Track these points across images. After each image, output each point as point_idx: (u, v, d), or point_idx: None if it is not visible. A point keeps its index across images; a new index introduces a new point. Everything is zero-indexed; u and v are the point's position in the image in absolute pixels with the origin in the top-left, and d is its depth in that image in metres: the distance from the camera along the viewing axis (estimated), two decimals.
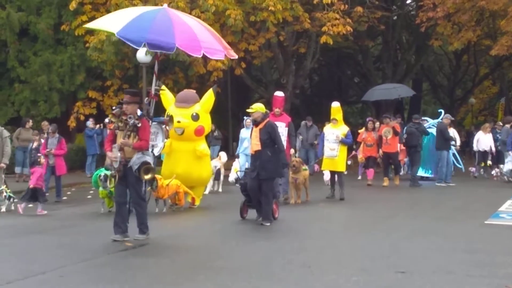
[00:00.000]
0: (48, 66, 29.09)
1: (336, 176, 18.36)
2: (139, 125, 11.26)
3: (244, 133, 21.92)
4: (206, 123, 16.52)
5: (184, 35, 11.55)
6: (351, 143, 19.49)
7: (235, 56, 13.42)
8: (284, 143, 16.29)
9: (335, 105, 18.59)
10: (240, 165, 21.35)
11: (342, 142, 18.11)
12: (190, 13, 26.05)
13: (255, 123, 13.70)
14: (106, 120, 16.81)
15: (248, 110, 13.92)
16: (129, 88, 29.06)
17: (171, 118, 13.43)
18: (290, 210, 15.64)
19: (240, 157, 21.86)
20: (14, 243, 11.85)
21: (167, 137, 14.03)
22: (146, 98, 12.24)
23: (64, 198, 19.28)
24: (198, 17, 25.90)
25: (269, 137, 13.36)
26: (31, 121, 24.03)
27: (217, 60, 26.75)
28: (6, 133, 17.20)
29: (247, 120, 21.82)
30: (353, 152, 24.66)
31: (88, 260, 9.96)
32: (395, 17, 37.45)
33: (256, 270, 9.04)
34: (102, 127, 25.86)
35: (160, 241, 11.62)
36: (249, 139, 21.17)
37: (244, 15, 26.42)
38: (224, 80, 32.16)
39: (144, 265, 9.53)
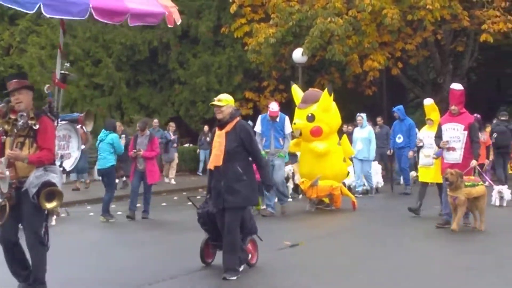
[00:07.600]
0: (206, 68, 29.88)
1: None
2: (37, 127, 7.50)
3: (357, 132, 19.34)
4: (325, 122, 16.02)
5: None
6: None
7: (178, 21, 8.56)
8: (461, 150, 12.51)
9: (428, 102, 14.78)
10: (355, 172, 19.02)
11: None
12: (346, 14, 26.13)
13: (220, 124, 9.07)
14: None
15: (213, 103, 9.05)
16: (282, 88, 29.75)
17: (87, 113, 8.96)
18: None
19: (354, 163, 18.95)
20: (174, 239, 12.33)
21: (84, 142, 8.91)
22: (47, 86, 8.23)
23: None
24: (355, 17, 26.02)
25: (240, 144, 8.87)
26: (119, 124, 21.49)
27: (373, 60, 26.66)
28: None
29: (358, 118, 19.51)
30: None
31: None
32: None
33: (415, 271, 8.98)
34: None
35: (313, 241, 11.79)
36: (362, 140, 18.96)
37: (401, 14, 26.15)
38: (379, 81, 31.93)
39: (302, 264, 9.71)
